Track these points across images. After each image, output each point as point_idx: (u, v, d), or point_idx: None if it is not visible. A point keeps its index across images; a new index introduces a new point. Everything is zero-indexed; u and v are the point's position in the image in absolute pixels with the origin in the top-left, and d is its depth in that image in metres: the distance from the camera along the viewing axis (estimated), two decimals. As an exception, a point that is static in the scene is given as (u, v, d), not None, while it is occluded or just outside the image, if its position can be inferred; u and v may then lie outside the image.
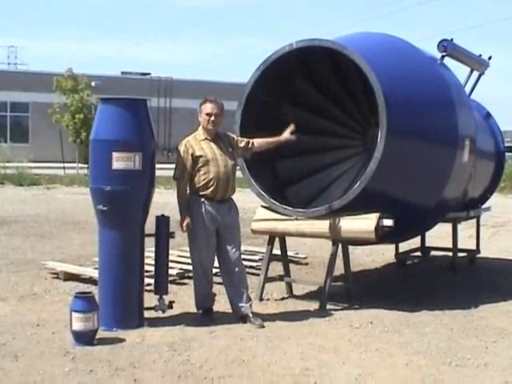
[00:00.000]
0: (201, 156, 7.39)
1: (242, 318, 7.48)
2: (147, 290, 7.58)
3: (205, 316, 7.56)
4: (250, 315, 7.46)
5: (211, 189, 7.39)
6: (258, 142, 7.86)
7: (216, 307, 7.76)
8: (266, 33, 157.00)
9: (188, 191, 7.51)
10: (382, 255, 11.87)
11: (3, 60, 71.54)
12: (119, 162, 7.01)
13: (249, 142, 7.80)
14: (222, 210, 7.46)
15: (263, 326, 7.29)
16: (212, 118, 7.44)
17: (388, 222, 7.96)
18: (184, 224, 7.35)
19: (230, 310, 7.68)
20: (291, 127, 7.92)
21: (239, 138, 7.84)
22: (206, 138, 7.49)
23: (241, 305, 7.52)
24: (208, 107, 7.47)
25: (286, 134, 7.91)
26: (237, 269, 7.54)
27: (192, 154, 7.38)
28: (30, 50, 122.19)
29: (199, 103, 7.58)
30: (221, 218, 7.44)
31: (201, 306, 7.63)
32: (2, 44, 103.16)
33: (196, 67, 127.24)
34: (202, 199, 7.39)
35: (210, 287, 7.64)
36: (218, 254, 7.57)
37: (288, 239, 9.02)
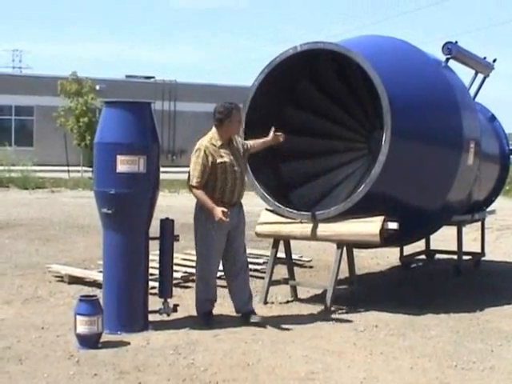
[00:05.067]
0: (221, 163, 7.33)
1: (245, 318, 7.52)
2: (152, 293, 7.58)
3: (205, 319, 7.53)
4: (252, 314, 7.53)
5: (228, 194, 7.38)
6: (252, 143, 7.93)
7: (220, 310, 7.76)
8: (267, 36, 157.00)
9: None
10: (387, 258, 11.85)
11: (8, 64, 71.89)
12: (123, 165, 7.00)
13: (248, 144, 7.86)
14: (233, 213, 7.44)
15: (263, 324, 7.37)
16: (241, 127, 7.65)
17: (393, 225, 7.95)
18: (220, 213, 7.14)
19: (234, 314, 7.69)
20: (272, 130, 7.93)
21: (243, 141, 7.87)
22: (223, 144, 7.44)
23: (244, 304, 7.60)
24: (238, 115, 7.54)
25: (271, 136, 7.92)
26: (243, 270, 7.64)
27: (212, 163, 7.31)
28: (34, 53, 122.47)
29: (225, 108, 7.43)
30: (232, 221, 7.43)
31: (202, 310, 7.61)
32: (6, 48, 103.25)
33: (200, 70, 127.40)
34: (218, 204, 7.30)
35: (215, 291, 7.63)
36: (225, 255, 7.57)
37: (292, 242, 9.00)
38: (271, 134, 7.92)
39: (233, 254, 7.57)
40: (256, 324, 7.39)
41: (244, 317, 7.55)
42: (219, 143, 7.42)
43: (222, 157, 7.37)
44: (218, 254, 7.49)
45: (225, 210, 7.19)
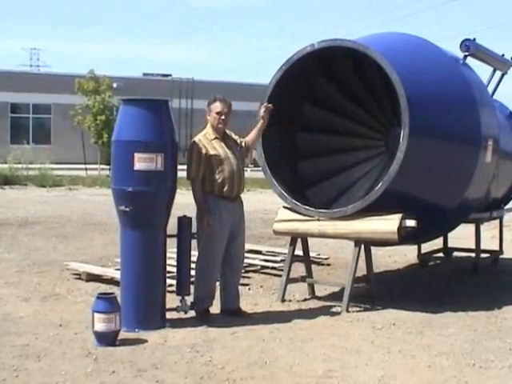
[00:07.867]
0: (214, 155, 7.42)
1: (233, 312, 7.62)
2: (169, 291, 7.59)
3: (203, 316, 7.50)
4: (241, 309, 7.71)
5: (227, 187, 7.42)
6: (249, 137, 7.94)
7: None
8: (284, 34, 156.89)
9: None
10: (405, 256, 11.82)
11: (25, 62, 71.91)
12: (141, 162, 7.01)
13: (244, 141, 7.85)
14: (236, 208, 7.56)
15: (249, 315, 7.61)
16: (222, 117, 7.51)
17: (410, 223, 7.92)
18: (205, 221, 7.34)
19: (251, 311, 7.72)
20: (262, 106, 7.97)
21: (240, 139, 7.84)
22: (216, 137, 7.53)
23: (234, 299, 7.68)
24: (218, 106, 7.53)
25: (260, 117, 7.91)
26: (240, 266, 7.80)
27: (206, 154, 7.40)
28: (51, 52, 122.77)
29: (208, 102, 7.64)
30: (235, 216, 7.54)
31: (201, 307, 7.57)
32: (24, 46, 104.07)
33: (217, 67, 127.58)
34: (219, 199, 7.41)
35: (215, 288, 7.65)
36: (226, 251, 7.57)
37: (310, 240, 8.99)
38: (261, 111, 7.91)
39: (235, 251, 7.61)
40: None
41: (232, 313, 7.60)
42: (212, 137, 7.53)
43: (215, 149, 7.45)
44: (220, 252, 7.49)
45: (210, 222, 7.31)
